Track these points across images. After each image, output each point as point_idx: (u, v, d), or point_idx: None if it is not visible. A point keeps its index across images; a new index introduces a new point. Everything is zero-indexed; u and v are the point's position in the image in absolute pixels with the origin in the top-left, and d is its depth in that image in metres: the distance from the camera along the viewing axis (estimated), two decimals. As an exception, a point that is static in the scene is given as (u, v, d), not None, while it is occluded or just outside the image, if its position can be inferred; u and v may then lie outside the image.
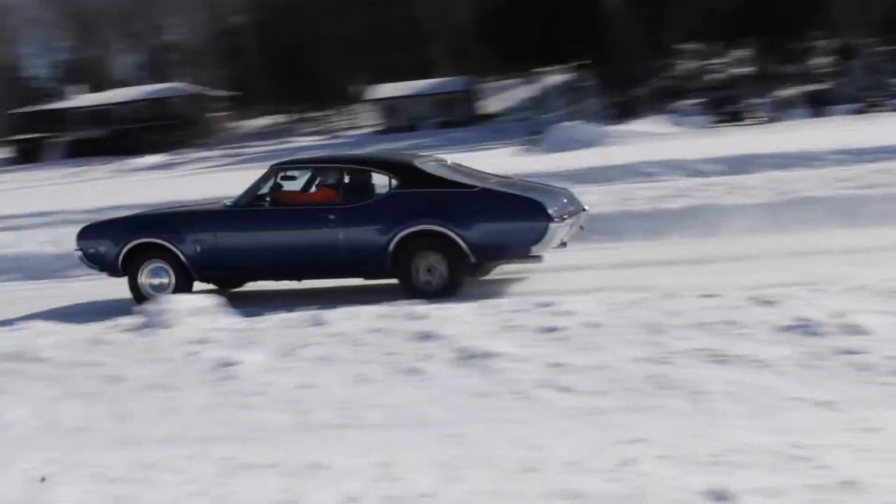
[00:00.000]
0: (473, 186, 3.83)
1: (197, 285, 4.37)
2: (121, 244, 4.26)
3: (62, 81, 49.16)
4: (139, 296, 4.29)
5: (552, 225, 3.60)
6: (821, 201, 5.41)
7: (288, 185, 4.17)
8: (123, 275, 4.31)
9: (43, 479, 2.29)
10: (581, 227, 4.37)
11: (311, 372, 2.63)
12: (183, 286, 4.26)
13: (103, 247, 4.37)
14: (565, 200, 4.10)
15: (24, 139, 43.77)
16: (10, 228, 9.92)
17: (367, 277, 4.14)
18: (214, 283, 4.57)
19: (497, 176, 4.37)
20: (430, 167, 4.03)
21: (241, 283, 4.65)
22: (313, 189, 4.22)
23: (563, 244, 4.12)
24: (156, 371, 2.82)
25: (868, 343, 2.37)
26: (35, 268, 6.86)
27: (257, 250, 3.97)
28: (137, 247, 4.20)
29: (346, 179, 4.01)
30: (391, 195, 3.75)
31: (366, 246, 3.61)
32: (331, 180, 4.13)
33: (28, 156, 42.37)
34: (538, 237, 3.58)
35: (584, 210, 4.35)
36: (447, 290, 3.68)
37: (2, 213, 11.43)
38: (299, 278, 4.27)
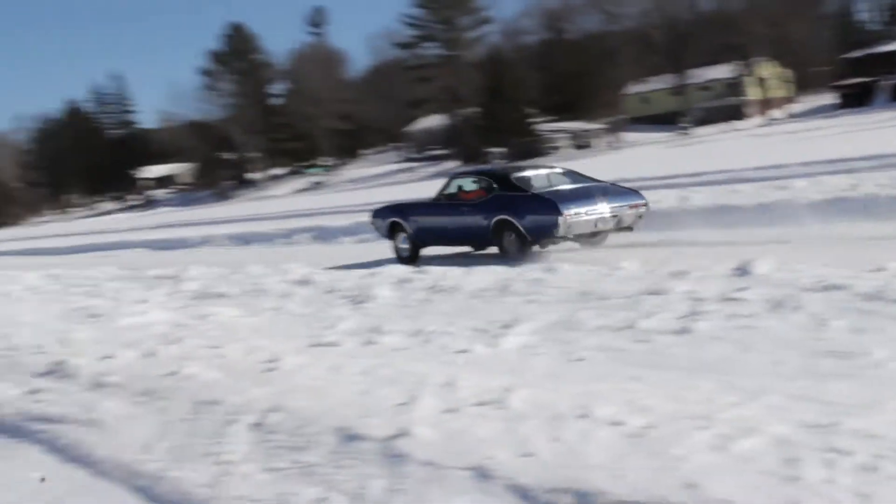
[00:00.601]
0: (527, 192, 8.20)
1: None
2: (386, 221, 9.37)
3: (890, 24, 56.89)
4: (398, 255, 9.26)
5: (561, 219, 7.66)
6: None
7: (462, 188, 9.16)
8: (390, 240, 9.55)
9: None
10: (640, 217, 8.76)
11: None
12: (413, 251, 9.30)
13: (380, 221, 9.67)
14: (601, 200, 8.26)
15: (851, 84, 51.17)
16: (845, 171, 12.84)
17: (484, 248, 8.82)
18: (421, 247, 9.40)
19: (580, 180, 8.92)
20: (518, 177, 8.58)
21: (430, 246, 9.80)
22: (467, 190, 8.85)
23: (629, 228, 8.75)
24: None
25: None
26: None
27: (439, 227, 8.57)
28: (392, 224, 9.18)
29: (477, 185, 8.74)
30: (493, 196, 8.24)
31: (480, 227, 8.09)
32: (472, 186, 8.89)
33: (855, 100, 49.06)
34: (555, 226, 7.67)
35: (640, 204, 8.76)
36: (522, 255, 8.00)
37: (835, 157, 14.83)
38: (462, 245, 8.90)
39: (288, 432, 3.82)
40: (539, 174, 9.20)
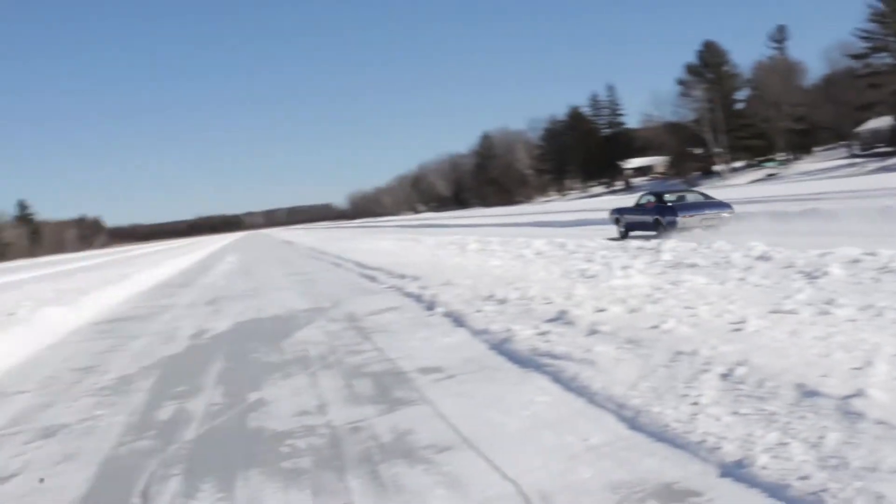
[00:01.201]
0: (666, 202, 23.68)
1: None
2: (613, 216, 26.57)
3: None
4: (619, 234, 25.25)
5: (679, 219, 21.73)
6: None
7: (657, 199, 24.81)
8: (616, 226, 26.24)
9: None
10: (726, 216, 22.11)
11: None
12: (624, 233, 25.36)
13: (611, 216, 27.13)
14: (703, 209, 22.66)
15: None
16: None
17: (651, 231, 23.64)
18: (628, 231, 25.46)
19: (699, 195, 24.98)
20: (668, 195, 24.69)
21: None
22: (645, 202, 25.13)
23: (712, 227, 21.62)
24: None
25: None
26: None
27: (633, 220, 24.45)
28: (616, 218, 26.06)
29: (650, 199, 25.13)
30: (656, 204, 23.95)
31: (648, 221, 23.35)
32: (648, 199, 25.41)
33: None
34: (674, 224, 21.63)
35: (726, 210, 22.52)
36: (666, 236, 20.86)
37: None
38: (640, 230, 24.57)
39: (752, 384, 5.47)
40: (677, 194, 24.77)
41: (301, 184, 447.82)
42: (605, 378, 6.30)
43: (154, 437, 6.56)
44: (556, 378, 6.72)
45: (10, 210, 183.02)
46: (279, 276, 24.24)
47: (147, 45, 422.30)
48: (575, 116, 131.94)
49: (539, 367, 7.15)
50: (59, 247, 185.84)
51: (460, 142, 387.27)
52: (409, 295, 14.05)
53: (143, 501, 5.06)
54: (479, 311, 10.39)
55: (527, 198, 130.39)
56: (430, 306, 12.04)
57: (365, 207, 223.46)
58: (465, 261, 18.51)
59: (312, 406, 6.95)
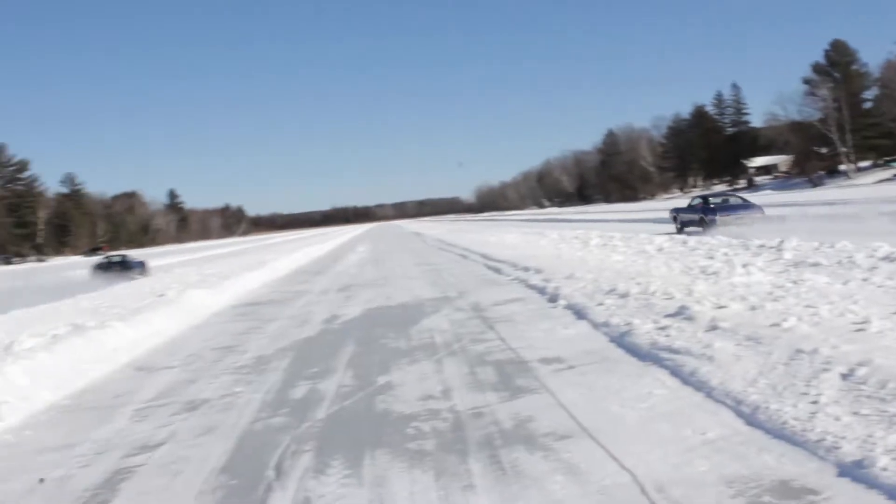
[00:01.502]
0: (709, 204, 30.14)
1: None
2: (671, 214, 32.90)
3: None
4: (676, 230, 30.26)
5: (717, 218, 27.45)
6: None
7: (703, 202, 30.96)
8: (679, 229, 30.56)
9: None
10: (758, 217, 26.88)
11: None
12: (680, 229, 30.32)
13: (670, 214, 33.31)
14: (737, 210, 28.64)
15: None
16: None
17: (699, 226, 28.61)
18: (682, 228, 30.59)
19: (738, 199, 31.43)
20: (712, 199, 31.57)
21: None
22: (695, 203, 31.16)
23: (745, 225, 25.62)
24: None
25: None
26: None
27: (688, 219, 30.17)
28: (674, 217, 32.07)
29: (698, 201, 31.32)
30: (702, 206, 29.80)
31: (695, 219, 29.15)
32: (697, 201, 31.56)
33: None
34: (714, 221, 27.23)
35: (758, 212, 27.79)
36: (707, 231, 25.47)
37: None
38: (691, 226, 29.60)
39: (874, 385, 5.30)
40: (721, 199, 31.96)
41: (431, 177, 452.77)
42: (723, 373, 6.21)
43: (287, 414, 6.81)
44: (675, 372, 6.66)
45: (162, 199, 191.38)
46: (408, 267, 24.63)
47: (286, 39, 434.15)
48: (699, 115, 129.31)
49: (658, 361, 7.10)
50: (204, 234, 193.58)
51: (585, 139, 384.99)
52: (532, 287, 14.09)
53: (276, 474, 5.28)
54: (600, 304, 10.35)
55: (649, 194, 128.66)
56: (553, 298, 12.06)
57: (491, 201, 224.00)
58: (587, 255, 18.43)
59: (437, 391, 7.09)
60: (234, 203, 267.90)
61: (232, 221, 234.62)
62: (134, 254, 58.39)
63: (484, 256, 23.61)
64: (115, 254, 53.79)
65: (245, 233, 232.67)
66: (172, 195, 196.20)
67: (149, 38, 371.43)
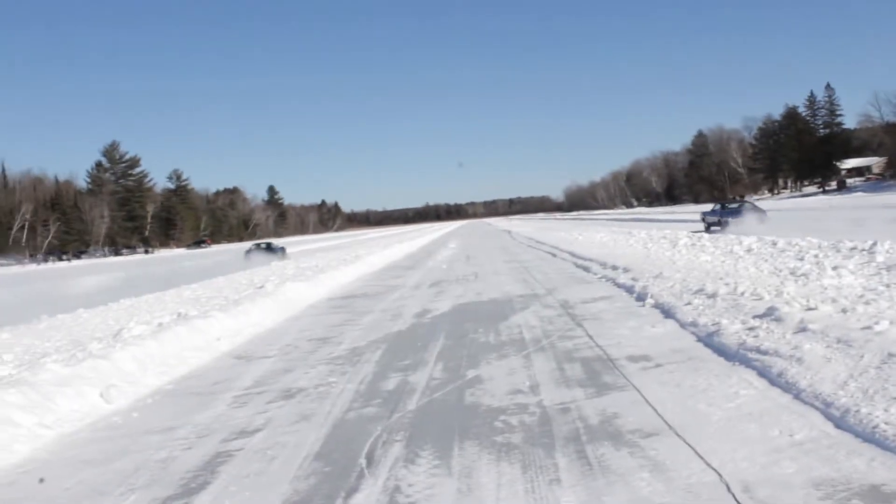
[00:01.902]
0: (728, 208, 39.99)
1: None
2: (701, 216, 41.77)
3: None
4: (704, 229, 37.04)
5: (731, 220, 35.46)
6: None
7: (721, 207, 41.58)
8: (706, 228, 37.63)
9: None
10: (764, 217, 35.92)
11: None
12: (706, 228, 37.40)
13: (702, 217, 41.60)
14: (745, 213, 37.46)
15: None
16: None
17: (718, 226, 36.24)
18: (708, 227, 37.80)
19: (750, 205, 42.33)
20: (729, 205, 41.88)
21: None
22: (716, 209, 41.40)
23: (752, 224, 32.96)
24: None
25: None
26: None
27: (711, 221, 38.23)
28: (703, 219, 40.61)
29: (718, 206, 42.45)
30: (721, 210, 39.91)
31: (715, 220, 37.18)
32: (717, 206, 42.48)
33: None
34: (728, 223, 34.84)
35: (763, 215, 36.97)
36: (723, 231, 31.79)
37: None
38: (714, 226, 37.03)
39: (975, 393, 5.08)
40: (736, 205, 41.80)
41: (522, 176, 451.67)
42: (812, 375, 6.04)
43: (379, 405, 6.90)
44: (763, 373, 6.51)
45: (262, 195, 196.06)
46: (498, 263, 24.65)
47: (376, 42, 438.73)
48: (791, 116, 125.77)
49: (746, 361, 6.95)
50: (301, 228, 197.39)
51: (674, 140, 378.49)
52: (620, 286, 13.97)
53: (367, 463, 5.36)
54: (688, 303, 10.19)
55: (739, 195, 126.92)
56: (641, 297, 11.93)
57: (580, 200, 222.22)
58: (675, 255, 18.14)
59: (525, 386, 7.08)
60: (330, 199, 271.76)
61: (327, 217, 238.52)
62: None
63: (572, 255, 23.48)
64: (263, 241, 72.23)
65: (340, 228, 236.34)
66: (272, 191, 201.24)
67: (254, 36, 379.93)
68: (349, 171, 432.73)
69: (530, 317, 11.48)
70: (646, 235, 28.69)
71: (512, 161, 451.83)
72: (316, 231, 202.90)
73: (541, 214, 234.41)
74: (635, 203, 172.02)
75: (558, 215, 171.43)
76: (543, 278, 17.50)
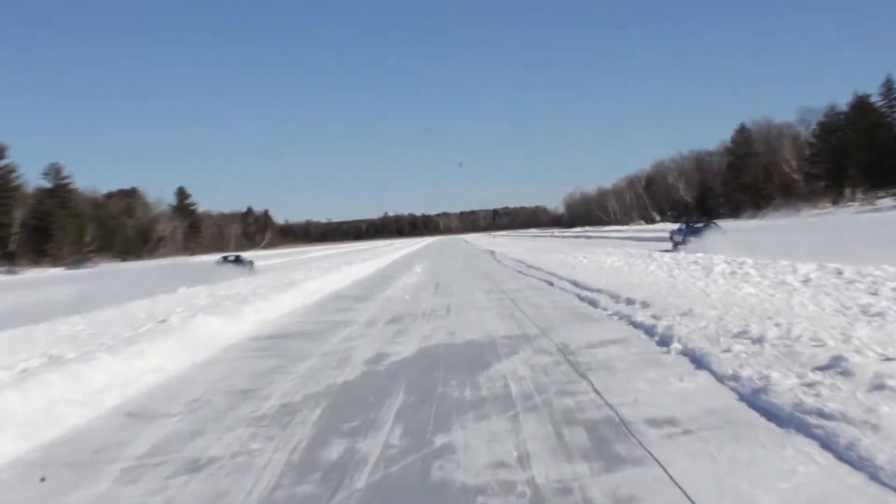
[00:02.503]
0: (690, 228, 53.70)
1: None
2: (670, 235, 57.47)
3: None
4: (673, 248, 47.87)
5: (689, 239, 47.22)
6: None
7: (692, 227, 55.19)
8: (674, 247, 49.04)
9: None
10: (721, 235, 47.71)
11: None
12: (673, 247, 48.94)
13: (670, 235, 57.19)
14: (705, 231, 50.25)
15: None
16: None
17: (682, 244, 47.65)
18: (675, 246, 49.80)
19: (706, 227, 53.78)
20: (689, 223, 57.86)
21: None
22: (681, 227, 57.32)
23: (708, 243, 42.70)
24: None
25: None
26: None
27: (678, 240, 50.42)
28: (671, 237, 56.30)
29: (684, 224, 58.39)
30: (684, 228, 55.09)
31: (678, 239, 50.47)
32: (681, 224, 59.78)
33: None
34: (686, 241, 46.57)
35: (720, 233, 48.95)
36: (683, 248, 44.01)
37: None
38: (677, 244, 49.99)
39: None
40: (695, 224, 55.42)
41: (509, 181, 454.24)
42: (893, 448, 6.03)
43: (318, 482, 6.80)
44: (827, 443, 6.50)
45: (169, 198, 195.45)
46: (477, 294, 24.68)
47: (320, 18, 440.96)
48: (860, 107, 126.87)
49: (804, 428, 6.93)
50: (218, 243, 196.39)
51: (708, 136, 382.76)
52: (637, 325, 14.02)
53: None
54: (726, 350, 10.20)
55: (792, 208, 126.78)
56: (664, 341, 11.95)
57: (585, 213, 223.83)
58: (710, 285, 18.26)
59: (511, 457, 7.02)
60: (259, 207, 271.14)
61: (254, 230, 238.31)
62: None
63: (575, 284, 23.58)
64: (232, 254, 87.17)
65: (271, 244, 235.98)
66: (182, 195, 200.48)
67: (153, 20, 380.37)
68: (285, 173, 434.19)
69: (519, 365, 11.46)
70: (671, 260, 28.92)
71: (497, 162, 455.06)
72: (239, 247, 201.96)
73: (534, 230, 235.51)
74: (657, 217, 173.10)
75: (557, 232, 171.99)
76: (536, 314, 17.55)
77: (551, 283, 25.67)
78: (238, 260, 72.81)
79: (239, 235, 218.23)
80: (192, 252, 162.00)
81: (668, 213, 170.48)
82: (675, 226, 66.08)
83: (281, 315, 21.97)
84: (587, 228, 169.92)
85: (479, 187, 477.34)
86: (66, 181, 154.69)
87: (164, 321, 17.90)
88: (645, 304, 15.72)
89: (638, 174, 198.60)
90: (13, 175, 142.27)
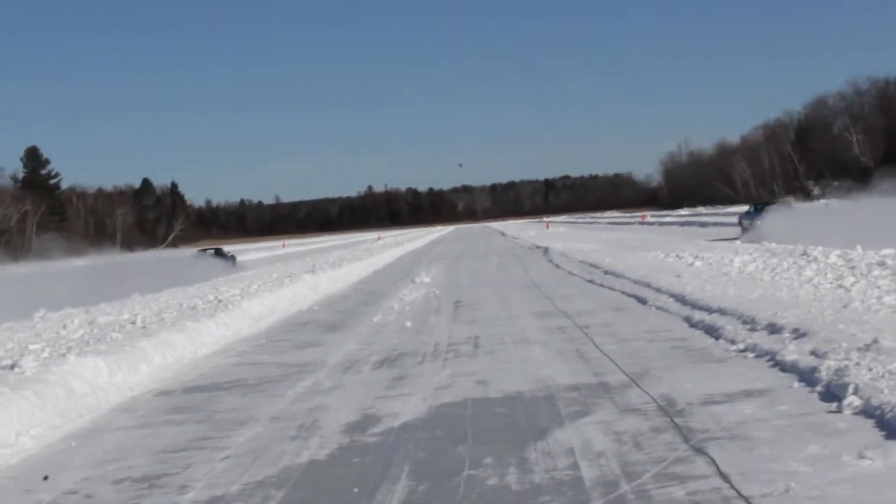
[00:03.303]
0: (750, 212, 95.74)
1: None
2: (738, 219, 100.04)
3: None
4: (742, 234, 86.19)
5: (756, 221, 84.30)
6: None
7: (752, 209, 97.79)
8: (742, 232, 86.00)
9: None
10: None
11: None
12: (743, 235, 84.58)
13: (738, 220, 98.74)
14: (762, 213, 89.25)
15: None
16: None
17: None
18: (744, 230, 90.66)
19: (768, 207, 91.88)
20: (758, 204, 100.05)
21: None
22: (750, 211, 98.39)
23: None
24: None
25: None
26: None
27: (743, 222, 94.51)
28: (739, 222, 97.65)
29: (754, 208, 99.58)
30: (752, 212, 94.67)
31: (745, 222, 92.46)
32: (751, 208, 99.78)
33: None
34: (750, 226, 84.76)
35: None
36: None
37: None
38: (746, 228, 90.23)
39: None
40: (764, 207, 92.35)
41: (573, 138, 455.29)
42: None
43: None
44: None
45: (13, 166, 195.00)
46: (522, 315, 24.75)
47: None
48: None
49: None
50: (99, 236, 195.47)
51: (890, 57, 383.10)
52: (786, 367, 14.15)
53: None
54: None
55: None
56: (832, 393, 12.05)
57: (694, 184, 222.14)
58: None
59: None
60: (162, 180, 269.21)
61: (156, 216, 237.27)
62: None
63: (682, 301, 23.69)
64: (212, 247, 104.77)
65: (183, 238, 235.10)
66: (33, 159, 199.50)
67: None
68: (200, 127, 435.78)
69: (595, 434, 11.58)
70: (838, 260, 28.80)
71: (554, 105, 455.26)
72: (127, 242, 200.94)
73: (612, 213, 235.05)
74: (814, 189, 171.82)
75: (649, 215, 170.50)
76: (621, 350, 17.72)
77: (643, 300, 25.71)
78: (220, 253, 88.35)
79: (130, 225, 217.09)
80: (47, 255, 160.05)
81: (834, 184, 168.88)
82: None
83: (204, 356, 22.01)
84: (699, 208, 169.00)
85: (524, 146, 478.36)
86: None
87: (12, 367, 17.93)
88: (798, 333, 15.70)
89: (782, 121, 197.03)
90: None
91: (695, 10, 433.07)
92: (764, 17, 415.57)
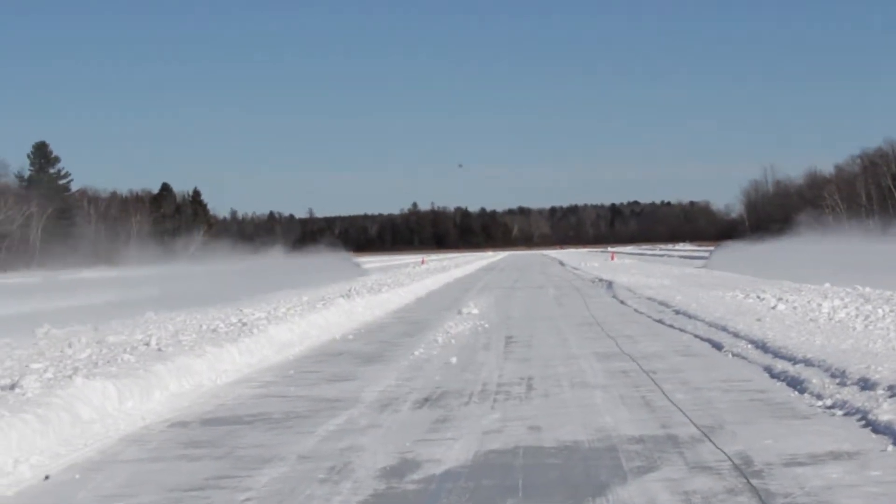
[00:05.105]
0: None
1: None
2: None
3: None
4: None
5: None
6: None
7: None
8: None
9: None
10: None
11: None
12: None
13: None
14: None
15: None
16: None
17: None
18: None
19: None
20: None
21: None
22: None
23: None
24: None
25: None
26: None
27: None
28: None
29: None
30: None
31: None
32: None
33: None
34: None
35: None
36: None
37: None
38: None
39: None
40: None
41: (643, 160, 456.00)
42: None
43: None
44: None
45: (18, 164, 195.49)
46: (582, 357, 24.66)
47: None
48: None
49: None
50: (110, 248, 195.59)
51: None
52: (878, 427, 14.10)
53: None
54: None
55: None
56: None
57: (781, 214, 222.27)
58: None
59: None
60: (183, 186, 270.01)
61: (173, 225, 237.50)
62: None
63: (763, 348, 23.59)
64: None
65: (204, 250, 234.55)
66: (41, 156, 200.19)
67: None
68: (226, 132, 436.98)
69: (661, 492, 11.53)
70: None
71: (621, 125, 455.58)
72: (142, 257, 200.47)
73: (685, 246, 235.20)
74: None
75: (725, 245, 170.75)
76: (692, 400, 17.72)
77: (719, 346, 25.66)
78: None
79: (147, 232, 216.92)
80: (50, 265, 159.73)
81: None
82: None
83: (227, 383, 22.03)
84: (786, 235, 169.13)
85: (589, 166, 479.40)
86: None
87: (11, 387, 17.96)
88: (894, 391, 15.57)
89: (883, 150, 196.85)
90: None
91: (789, 29, 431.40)
92: (863, 39, 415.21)
